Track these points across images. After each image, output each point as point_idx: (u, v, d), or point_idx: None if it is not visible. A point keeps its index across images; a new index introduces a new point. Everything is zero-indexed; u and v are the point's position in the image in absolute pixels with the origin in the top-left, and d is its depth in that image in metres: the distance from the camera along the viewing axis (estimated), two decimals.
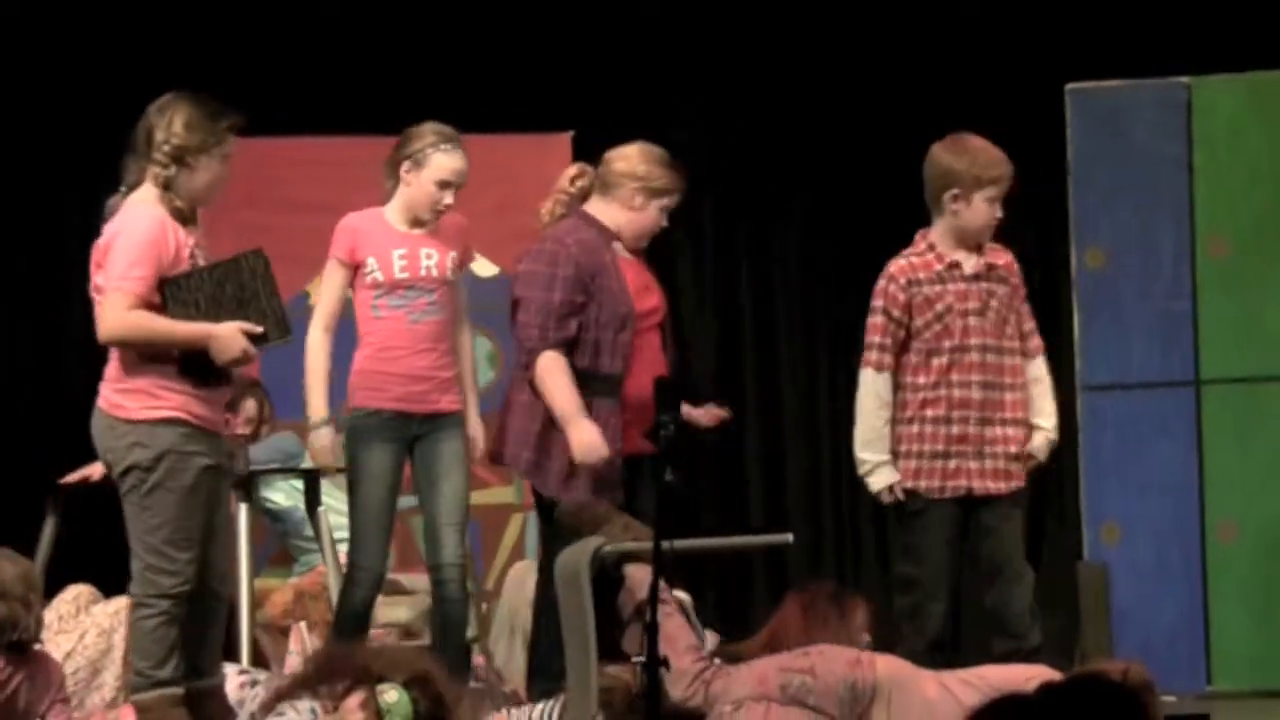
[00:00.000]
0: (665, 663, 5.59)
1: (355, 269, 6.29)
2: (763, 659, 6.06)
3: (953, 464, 6.18)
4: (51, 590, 7.02)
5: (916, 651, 6.18)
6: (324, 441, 6.35)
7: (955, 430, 6.12)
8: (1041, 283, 7.65)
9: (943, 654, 6.18)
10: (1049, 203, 7.93)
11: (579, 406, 6.21)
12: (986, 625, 6.42)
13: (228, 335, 5.76)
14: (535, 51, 9.17)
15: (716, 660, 6.12)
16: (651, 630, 5.50)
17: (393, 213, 6.30)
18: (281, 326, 5.84)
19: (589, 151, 8.96)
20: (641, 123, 9.15)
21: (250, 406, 7.56)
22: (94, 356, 7.27)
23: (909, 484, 6.23)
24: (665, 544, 5.59)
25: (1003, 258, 6.26)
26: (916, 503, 6.23)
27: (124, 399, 5.85)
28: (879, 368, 6.21)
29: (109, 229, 5.89)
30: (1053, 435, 6.27)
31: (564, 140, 8.59)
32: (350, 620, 6.41)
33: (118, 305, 5.79)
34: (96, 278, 5.88)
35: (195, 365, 5.75)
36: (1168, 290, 7.39)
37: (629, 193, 6.31)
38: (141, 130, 5.92)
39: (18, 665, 6.12)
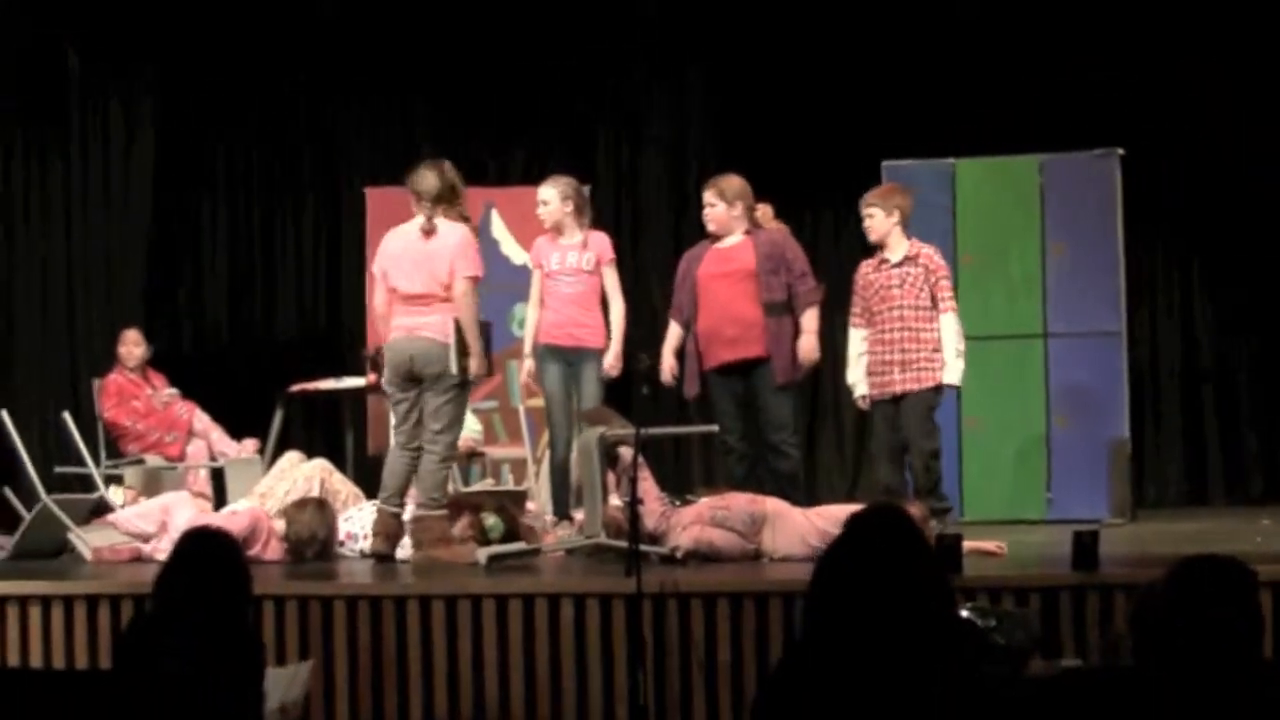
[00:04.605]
0: (642, 502, 6.22)
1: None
2: (697, 503, 6.76)
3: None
4: (276, 454, 8.41)
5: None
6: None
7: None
8: None
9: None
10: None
11: None
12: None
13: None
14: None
15: (675, 503, 6.85)
16: (633, 484, 6.19)
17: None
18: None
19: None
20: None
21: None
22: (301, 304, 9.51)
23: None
24: (643, 431, 6.42)
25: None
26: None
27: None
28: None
29: (435, 239, 6.92)
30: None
31: None
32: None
33: (471, 290, 6.96)
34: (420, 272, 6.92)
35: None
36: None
37: None
38: (445, 185, 6.96)
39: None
